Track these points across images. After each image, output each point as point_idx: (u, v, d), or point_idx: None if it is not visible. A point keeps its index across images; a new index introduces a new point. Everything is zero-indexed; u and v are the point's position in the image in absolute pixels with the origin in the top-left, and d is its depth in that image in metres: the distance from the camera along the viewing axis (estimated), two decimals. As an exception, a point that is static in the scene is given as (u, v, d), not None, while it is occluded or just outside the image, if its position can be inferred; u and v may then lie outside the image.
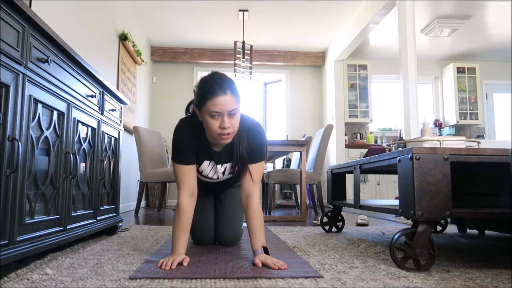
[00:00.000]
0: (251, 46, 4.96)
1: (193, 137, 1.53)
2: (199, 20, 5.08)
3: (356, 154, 5.66)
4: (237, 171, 1.60)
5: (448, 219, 2.69)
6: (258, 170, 1.54)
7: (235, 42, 4.80)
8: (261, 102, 6.67)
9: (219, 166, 1.62)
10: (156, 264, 1.37)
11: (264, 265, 1.36)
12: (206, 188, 1.81)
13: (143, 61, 5.03)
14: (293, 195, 5.92)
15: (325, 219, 2.53)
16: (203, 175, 1.66)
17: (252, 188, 1.52)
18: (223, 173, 1.65)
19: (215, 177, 1.67)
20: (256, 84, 6.68)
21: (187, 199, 1.50)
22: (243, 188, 1.53)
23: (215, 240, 1.88)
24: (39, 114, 1.37)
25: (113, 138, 2.25)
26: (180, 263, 1.37)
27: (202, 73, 6.32)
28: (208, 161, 1.60)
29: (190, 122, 1.54)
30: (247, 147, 1.53)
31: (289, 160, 5.75)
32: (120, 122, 2.39)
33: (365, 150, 5.60)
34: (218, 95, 1.35)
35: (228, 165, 1.62)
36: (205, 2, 4.55)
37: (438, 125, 6.35)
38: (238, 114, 1.42)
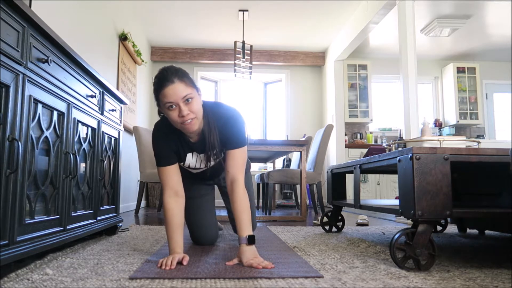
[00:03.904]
0: (251, 46, 4.96)
1: (169, 137, 1.55)
2: (199, 20, 5.08)
3: (356, 154, 5.66)
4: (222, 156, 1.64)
5: (448, 219, 2.69)
6: (238, 156, 1.54)
7: (235, 42, 4.80)
8: (261, 102, 6.67)
9: (202, 155, 1.63)
10: (156, 264, 1.37)
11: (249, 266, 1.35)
12: (202, 178, 1.81)
13: (143, 61, 5.03)
14: (293, 195, 5.92)
15: (325, 219, 2.53)
16: (191, 167, 1.68)
17: (236, 173, 1.52)
18: (209, 159, 1.66)
19: (202, 166, 1.68)
20: (256, 84, 6.67)
21: (170, 199, 1.51)
22: (227, 174, 1.54)
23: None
24: (39, 114, 1.37)
25: (113, 138, 2.25)
26: (180, 262, 1.37)
27: (202, 73, 6.33)
28: (191, 153, 1.62)
29: (163, 123, 1.57)
30: (219, 136, 1.54)
31: (289, 160, 5.75)
32: (120, 122, 2.39)
33: (365, 150, 5.60)
34: (166, 86, 1.38)
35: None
36: (205, 2, 4.55)
37: (438, 125, 6.35)
38: (195, 99, 1.42)
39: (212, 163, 1.69)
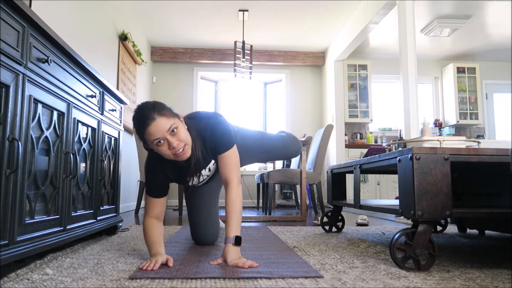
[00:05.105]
0: (251, 46, 4.96)
1: (163, 168, 1.56)
2: (199, 20, 5.08)
3: (356, 154, 5.66)
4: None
5: (448, 219, 2.69)
6: (228, 158, 1.54)
7: (235, 42, 4.80)
8: (261, 102, 6.67)
9: (203, 171, 1.66)
10: (143, 266, 1.31)
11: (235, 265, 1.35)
12: (209, 179, 1.82)
13: (143, 61, 5.03)
14: (293, 195, 5.92)
15: (325, 219, 2.54)
16: (195, 184, 1.70)
17: (229, 175, 1.53)
18: (209, 169, 1.68)
19: (204, 177, 1.71)
20: (256, 84, 6.67)
21: (151, 220, 1.54)
22: (221, 176, 1.56)
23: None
24: (39, 114, 1.37)
25: (113, 138, 2.25)
26: (165, 264, 1.35)
27: (202, 73, 6.33)
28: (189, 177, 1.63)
29: (154, 158, 1.57)
30: (209, 145, 1.56)
31: (289, 160, 5.75)
32: (120, 122, 2.39)
33: (365, 150, 5.60)
34: (148, 125, 1.36)
35: (210, 165, 1.65)
36: (205, 2, 4.55)
37: (438, 125, 6.35)
38: (179, 127, 1.42)
39: (213, 170, 1.71)
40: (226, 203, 1.49)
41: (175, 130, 1.40)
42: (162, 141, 1.38)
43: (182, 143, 1.41)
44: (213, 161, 1.65)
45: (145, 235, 1.51)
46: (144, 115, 1.37)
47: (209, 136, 1.55)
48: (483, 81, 6.43)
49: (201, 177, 1.67)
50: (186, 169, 1.57)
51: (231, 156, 1.55)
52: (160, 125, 1.36)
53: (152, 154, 1.57)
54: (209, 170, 1.68)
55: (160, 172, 1.57)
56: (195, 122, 1.57)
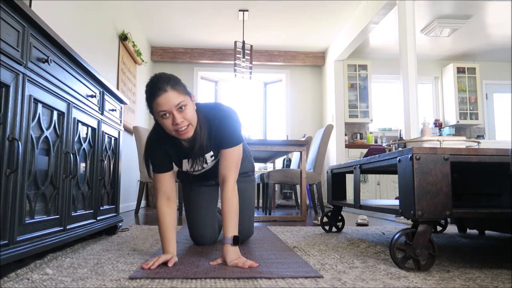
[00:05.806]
0: (251, 46, 4.96)
1: (163, 144, 1.56)
2: (199, 20, 5.08)
3: (356, 154, 5.66)
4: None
5: (448, 219, 2.69)
6: (229, 155, 1.54)
7: (235, 42, 4.80)
8: (261, 102, 6.67)
9: (198, 160, 1.63)
10: (145, 264, 1.33)
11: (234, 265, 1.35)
12: (204, 178, 1.81)
13: (143, 61, 5.04)
14: (293, 195, 5.92)
15: (325, 219, 2.53)
16: (190, 171, 1.68)
17: (227, 173, 1.52)
18: (206, 161, 1.67)
19: (200, 168, 1.68)
20: (256, 84, 6.67)
21: (163, 203, 1.53)
22: (219, 173, 1.55)
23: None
24: (39, 114, 1.37)
25: (113, 138, 2.25)
26: (166, 263, 1.36)
27: (202, 73, 6.33)
28: (186, 160, 1.62)
29: (156, 132, 1.56)
30: (214, 136, 1.54)
31: (289, 160, 5.75)
32: (120, 122, 2.39)
33: (365, 150, 5.60)
34: (158, 95, 1.36)
35: (207, 156, 1.64)
36: (205, 2, 4.55)
37: (438, 125, 6.35)
38: (188, 106, 1.42)
39: (211, 164, 1.69)
40: (222, 202, 1.48)
41: (183, 107, 1.39)
42: (167, 114, 1.38)
43: (187, 122, 1.41)
44: (211, 153, 1.63)
45: (158, 223, 1.52)
46: (157, 85, 1.38)
47: (216, 127, 1.54)
48: (483, 81, 6.43)
49: (196, 166, 1.64)
50: (187, 151, 1.57)
51: (234, 154, 1.54)
52: (169, 98, 1.36)
53: (157, 128, 1.56)
54: (206, 162, 1.66)
55: (161, 148, 1.56)
56: (205, 109, 1.56)
